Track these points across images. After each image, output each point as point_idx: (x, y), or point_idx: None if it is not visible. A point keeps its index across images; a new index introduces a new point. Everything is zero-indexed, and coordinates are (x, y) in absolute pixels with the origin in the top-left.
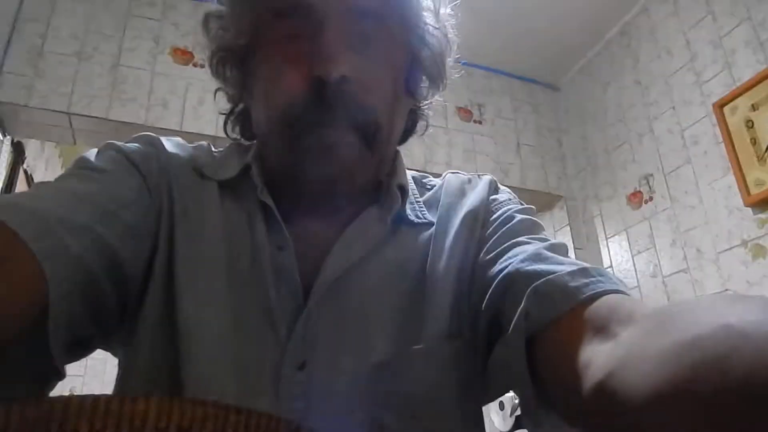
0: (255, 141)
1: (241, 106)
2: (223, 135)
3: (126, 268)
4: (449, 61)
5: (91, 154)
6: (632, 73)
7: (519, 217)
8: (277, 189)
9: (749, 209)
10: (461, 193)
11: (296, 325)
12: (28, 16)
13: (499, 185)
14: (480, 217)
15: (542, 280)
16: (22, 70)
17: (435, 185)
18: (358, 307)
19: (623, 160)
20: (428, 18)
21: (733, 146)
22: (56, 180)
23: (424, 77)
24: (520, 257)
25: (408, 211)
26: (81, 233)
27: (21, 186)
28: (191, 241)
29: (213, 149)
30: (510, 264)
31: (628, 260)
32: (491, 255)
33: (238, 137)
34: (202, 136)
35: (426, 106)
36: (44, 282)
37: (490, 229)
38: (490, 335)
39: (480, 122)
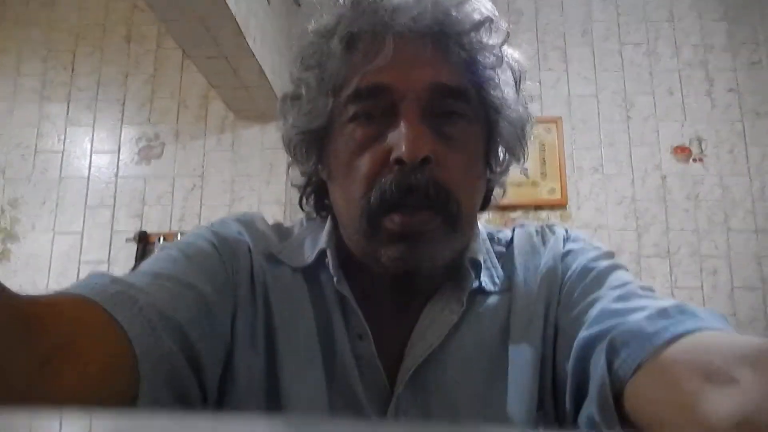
0: (329, 218)
1: (314, 179)
2: None
3: (205, 368)
4: (528, 130)
5: (191, 236)
6: None
7: (595, 268)
8: (353, 273)
9: None
10: (533, 249)
11: (387, 412)
12: None
13: (571, 233)
14: (557, 277)
15: (617, 331)
16: None
17: (506, 239)
18: (442, 393)
19: None
20: (508, 91)
21: None
22: (161, 259)
23: (502, 149)
24: (595, 313)
25: (485, 281)
26: (175, 334)
27: None
28: (290, 333)
29: (286, 226)
30: (589, 325)
31: None
32: (571, 317)
33: (312, 211)
34: None
35: (503, 174)
36: (137, 379)
37: (567, 286)
38: (577, 403)
39: None
